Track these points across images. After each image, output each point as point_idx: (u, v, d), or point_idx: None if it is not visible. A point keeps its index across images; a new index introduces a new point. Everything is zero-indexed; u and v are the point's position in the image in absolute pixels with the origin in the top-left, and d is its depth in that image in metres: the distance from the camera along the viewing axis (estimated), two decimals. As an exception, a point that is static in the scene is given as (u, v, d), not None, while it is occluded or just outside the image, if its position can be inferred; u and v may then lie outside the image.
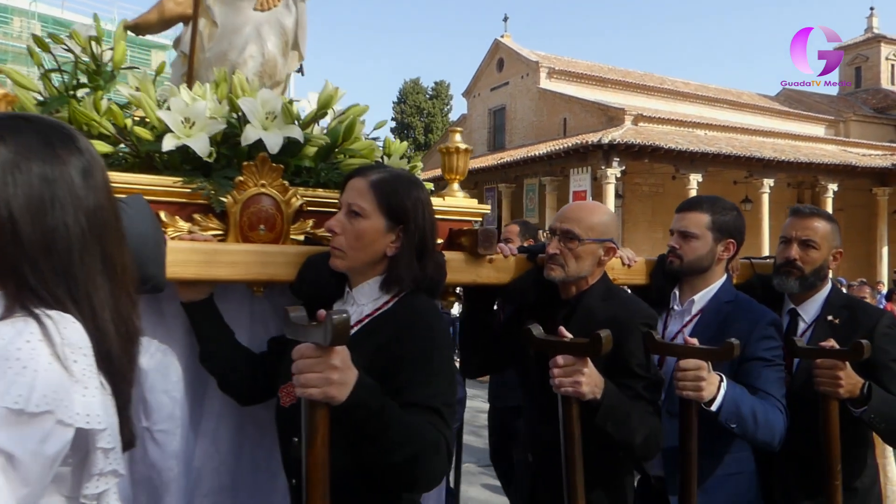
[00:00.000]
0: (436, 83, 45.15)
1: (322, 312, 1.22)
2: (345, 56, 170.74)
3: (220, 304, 1.71)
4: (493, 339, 2.17)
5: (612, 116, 21.98)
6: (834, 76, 30.33)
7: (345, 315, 1.18)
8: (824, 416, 1.93)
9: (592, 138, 18.11)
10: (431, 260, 1.59)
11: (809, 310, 2.30)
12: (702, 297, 2.17)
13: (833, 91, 34.66)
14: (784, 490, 2.19)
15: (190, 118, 1.75)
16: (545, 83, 25.20)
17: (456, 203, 2.16)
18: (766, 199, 20.20)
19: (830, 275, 2.40)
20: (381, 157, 2.28)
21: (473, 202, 2.21)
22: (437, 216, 1.67)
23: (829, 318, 2.22)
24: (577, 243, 1.91)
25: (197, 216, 1.75)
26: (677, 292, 2.22)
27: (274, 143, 1.80)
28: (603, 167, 18.13)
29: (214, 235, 1.75)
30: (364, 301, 1.58)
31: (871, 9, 34.54)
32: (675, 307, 2.21)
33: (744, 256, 3.80)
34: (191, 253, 1.59)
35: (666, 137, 19.23)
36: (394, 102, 44.72)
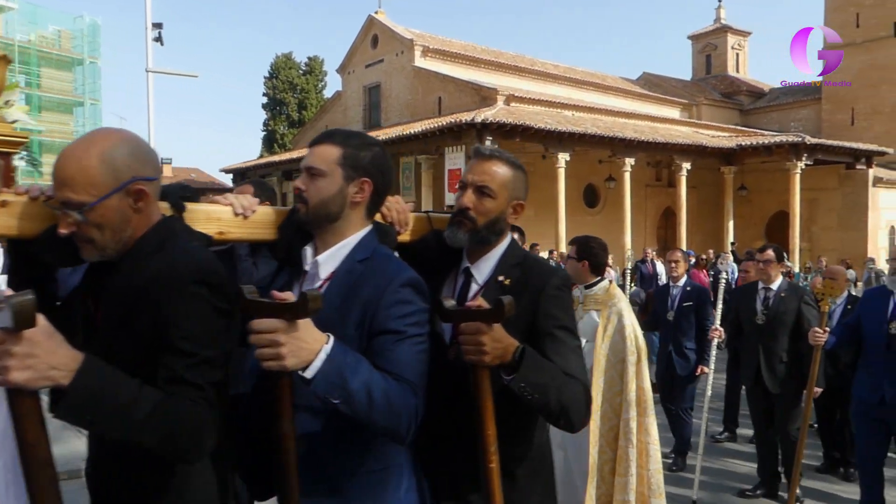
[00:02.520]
0: (309, 58, 43.96)
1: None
2: (211, 25, 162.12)
3: None
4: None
5: (486, 96, 22.39)
6: (687, 63, 32.52)
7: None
8: (474, 387, 1.61)
9: (466, 117, 18.37)
10: None
11: (483, 269, 1.90)
12: (330, 257, 1.69)
13: (687, 76, 37.22)
14: (451, 482, 1.83)
15: None
16: (420, 62, 25.21)
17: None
18: (627, 177, 21.39)
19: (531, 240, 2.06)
20: None
21: (9, 127, 1.93)
22: None
23: (501, 278, 1.86)
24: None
25: None
26: (309, 250, 1.73)
27: None
28: (476, 146, 18.41)
29: None
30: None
31: (720, 0, 37.28)
32: (307, 269, 1.72)
33: (575, 238, 3.83)
34: None
35: (536, 117, 19.85)
36: (265, 77, 43.13)
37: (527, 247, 5.54)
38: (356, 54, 28.26)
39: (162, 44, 15.67)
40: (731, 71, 36.54)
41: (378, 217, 1.85)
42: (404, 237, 1.94)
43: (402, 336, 1.57)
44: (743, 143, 23.60)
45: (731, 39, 36.94)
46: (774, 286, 4.84)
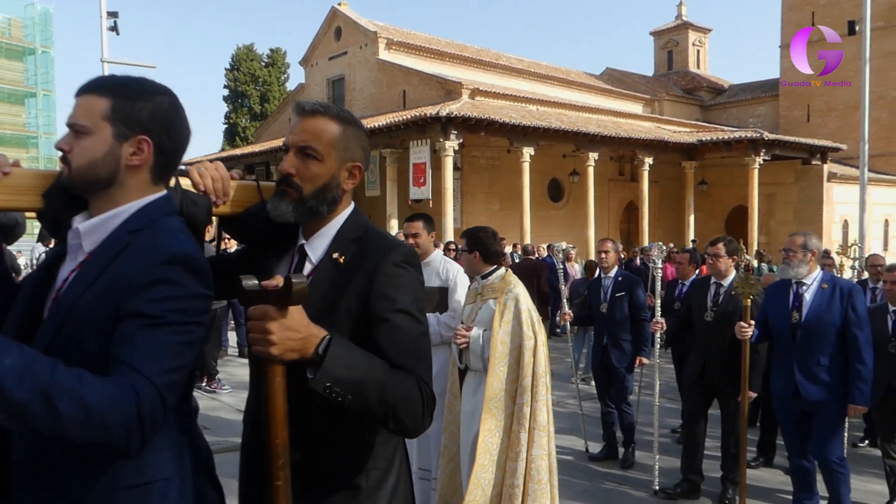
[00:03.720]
0: (271, 50, 43.29)
1: None
2: (169, 15, 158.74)
3: None
4: None
5: (450, 90, 22.31)
6: (649, 59, 32.87)
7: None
8: (265, 387, 1.29)
9: (431, 111, 18.27)
10: None
11: (318, 246, 1.62)
12: (96, 227, 1.41)
13: (649, 72, 37.68)
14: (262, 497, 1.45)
15: None
16: (384, 54, 25.01)
17: None
18: (591, 171, 21.56)
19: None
20: None
21: None
22: None
23: (335, 255, 1.58)
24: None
25: None
26: (78, 219, 1.44)
27: None
28: (441, 140, 18.38)
29: None
30: None
31: (681, -3, 37.83)
32: (70, 240, 1.44)
33: (465, 231, 3.81)
34: None
35: (501, 112, 19.85)
36: (226, 69, 42.35)
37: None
38: (319, 46, 27.92)
39: (118, 33, 15.24)
40: (692, 67, 37.10)
41: (188, 185, 1.59)
42: (225, 209, 1.65)
43: (156, 322, 1.27)
44: (703, 139, 23.99)
45: (692, 36, 37.50)
46: (726, 282, 4.59)
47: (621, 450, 5.48)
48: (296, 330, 1.28)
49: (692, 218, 24.65)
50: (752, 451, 5.53)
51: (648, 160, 23.05)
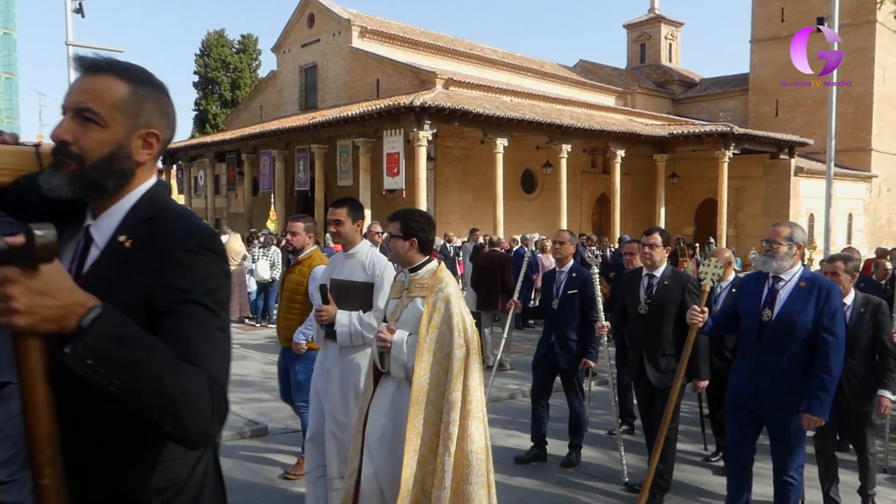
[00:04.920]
0: (243, 36, 42.63)
1: None
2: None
3: None
4: None
5: (424, 79, 22.20)
6: (622, 51, 33.07)
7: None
8: (18, 365, 1.08)
9: (405, 100, 18.15)
10: None
11: (105, 227, 1.37)
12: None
13: (622, 65, 37.90)
14: None
15: None
16: (357, 42, 24.77)
17: None
18: (564, 163, 21.64)
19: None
20: None
21: None
22: None
23: (122, 238, 1.33)
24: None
25: None
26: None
27: None
28: (415, 129, 18.28)
29: None
30: None
31: (654, -9, 38.06)
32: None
33: (395, 213, 3.21)
34: None
35: (475, 102, 19.80)
36: (196, 55, 41.61)
37: (467, 232, 5.36)
38: (292, 33, 27.55)
39: (83, 16, 14.82)
40: (664, 60, 37.41)
41: None
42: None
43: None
44: (675, 132, 24.22)
45: (665, 29, 37.79)
46: (658, 273, 4.38)
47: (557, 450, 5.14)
48: (51, 295, 1.04)
49: (663, 210, 24.91)
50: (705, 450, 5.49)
51: (620, 153, 23.22)
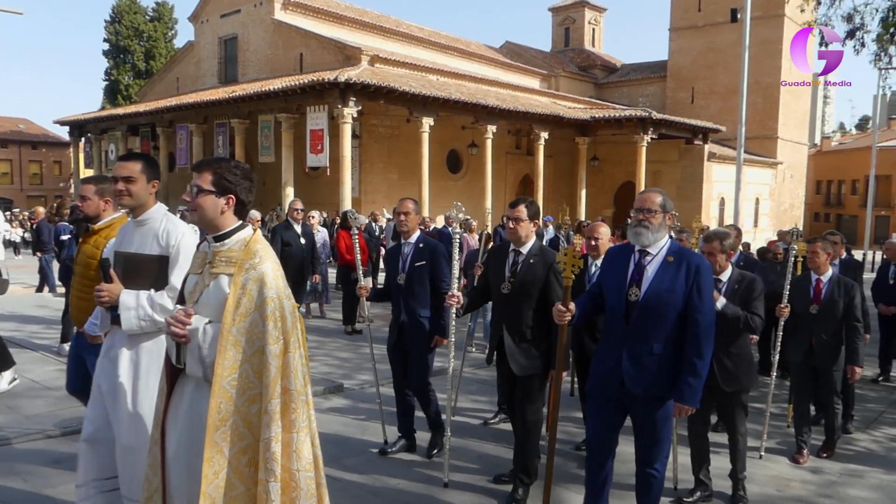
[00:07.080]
0: (157, 3, 40.65)
1: None
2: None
3: None
4: None
5: (349, 55, 21.80)
6: (547, 34, 33.44)
7: None
8: None
9: (329, 76, 17.77)
10: None
11: None
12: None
13: (547, 48, 38.37)
14: None
15: None
16: (280, 14, 24.04)
17: None
18: (489, 143, 21.79)
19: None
20: None
21: None
22: None
23: None
24: None
25: None
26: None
27: None
28: (340, 106, 17.95)
29: None
30: None
31: (579, -25, 38.59)
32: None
33: (203, 162, 2.51)
34: None
35: (401, 80, 19.61)
36: (106, 22, 39.39)
37: (417, 217, 4.73)
38: (210, 2, 26.44)
39: (-23, -27, 13.73)
40: (587, 45, 38.10)
41: None
42: None
43: None
44: (596, 116, 24.79)
45: (589, 14, 38.44)
46: (525, 249, 3.92)
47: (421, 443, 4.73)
48: None
49: (584, 192, 25.52)
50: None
51: (544, 135, 23.57)
